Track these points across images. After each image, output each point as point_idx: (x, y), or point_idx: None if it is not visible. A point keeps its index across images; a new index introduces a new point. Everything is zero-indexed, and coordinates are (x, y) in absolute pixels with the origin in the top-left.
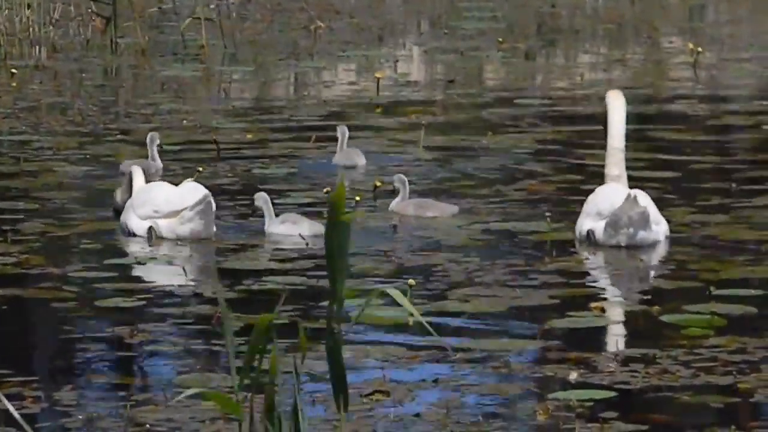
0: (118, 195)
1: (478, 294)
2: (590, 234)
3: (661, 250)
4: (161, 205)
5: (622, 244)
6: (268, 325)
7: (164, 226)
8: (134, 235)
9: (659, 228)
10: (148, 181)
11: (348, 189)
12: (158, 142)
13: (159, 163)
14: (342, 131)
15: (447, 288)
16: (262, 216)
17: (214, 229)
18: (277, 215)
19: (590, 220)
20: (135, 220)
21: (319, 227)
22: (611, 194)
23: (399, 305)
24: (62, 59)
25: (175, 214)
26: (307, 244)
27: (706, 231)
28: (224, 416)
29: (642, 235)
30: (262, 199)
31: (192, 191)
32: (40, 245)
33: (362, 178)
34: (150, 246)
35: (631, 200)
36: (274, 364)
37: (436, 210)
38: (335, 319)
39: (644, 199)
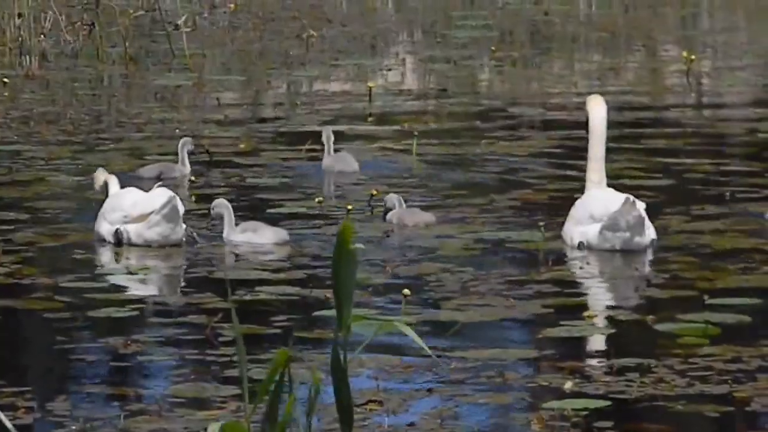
0: None
1: (472, 303)
2: (582, 237)
3: (656, 259)
4: (129, 210)
5: (617, 248)
6: (285, 360)
7: (132, 231)
8: (104, 240)
9: (650, 232)
10: (175, 185)
11: (341, 197)
12: (190, 147)
13: (187, 169)
14: (327, 134)
15: (441, 297)
16: (220, 224)
17: (182, 233)
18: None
19: (581, 225)
20: (105, 226)
21: (283, 234)
22: (603, 198)
23: (392, 315)
24: (53, 68)
25: (142, 218)
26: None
27: (700, 239)
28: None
29: (637, 239)
30: (222, 205)
31: (158, 195)
32: (32, 255)
33: (355, 187)
34: (117, 248)
35: (629, 204)
36: (289, 410)
37: (414, 219)
38: (342, 347)
39: (639, 204)
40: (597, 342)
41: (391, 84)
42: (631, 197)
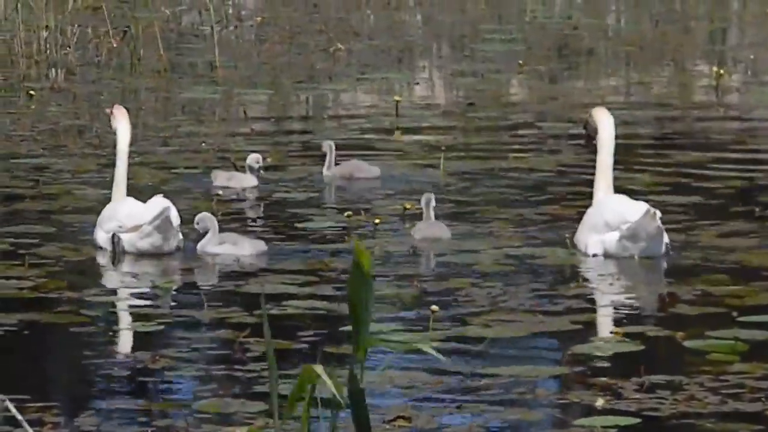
0: None
1: (501, 319)
2: (596, 248)
3: (685, 275)
4: (124, 220)
5: (636, 257)
6: (312, 376)
7: (126, 240)
8: (101, 248)
9: (665, 241)
10: (238, 195)
11: (370, 211)
12: (253, 164)
13: (253, 181)
14: (328, 146)
15: (470, 313)
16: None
17: (176, 243)
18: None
19: (596, 232)
20: (101, 235)
21: (261, 245)
22: (618, 205)
23: (422, 331)
24: (80, 81)
25: (137, 228)
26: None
27: (730, 255)
28: None
29: (655, 249)
30: (207, 219)
31: (153, 205)
32: (58, 269)
33: (382, 201)
34: (115, 254)
35: (650, 216)
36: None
37: (425, 233)
38: (358, 369)
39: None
40: (627, 358)
41: (418, 98)
42: (652, 209)
